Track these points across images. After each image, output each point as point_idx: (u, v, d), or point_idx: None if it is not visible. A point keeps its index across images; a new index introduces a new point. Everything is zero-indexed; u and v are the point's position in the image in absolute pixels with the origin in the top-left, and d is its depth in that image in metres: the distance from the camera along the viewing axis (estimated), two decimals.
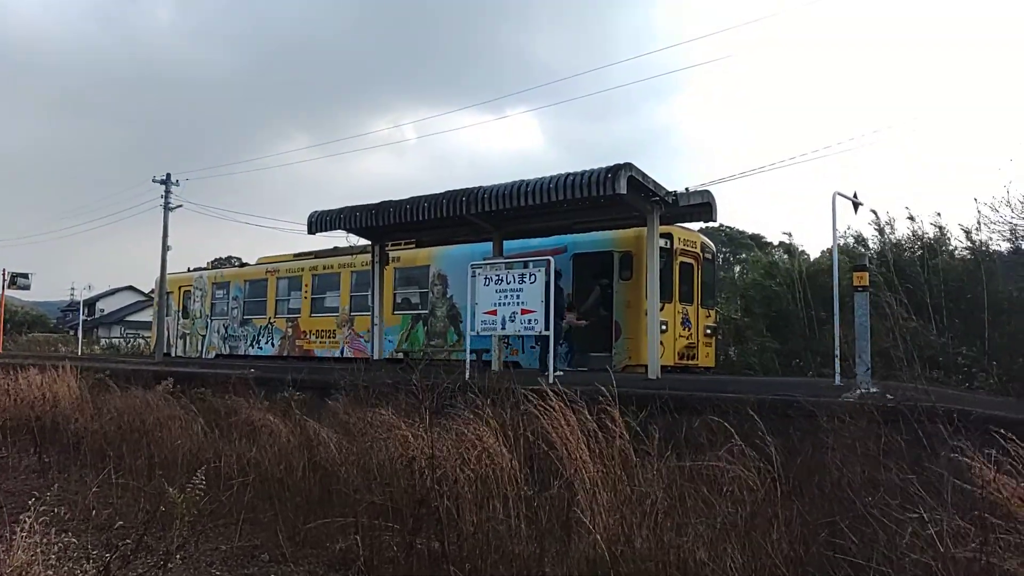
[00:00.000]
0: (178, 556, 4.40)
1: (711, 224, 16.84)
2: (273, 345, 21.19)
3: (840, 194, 10.70)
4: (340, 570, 5.13)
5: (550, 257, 11.56)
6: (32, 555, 4.40)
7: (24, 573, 4.29)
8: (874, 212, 17.91)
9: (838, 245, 21.30)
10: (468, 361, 12.17)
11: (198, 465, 6.78)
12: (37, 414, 9.42)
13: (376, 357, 15.74)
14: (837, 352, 10.14)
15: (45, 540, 4.55)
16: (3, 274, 33.58)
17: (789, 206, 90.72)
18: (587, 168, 11.67)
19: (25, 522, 4.60)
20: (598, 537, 4.10)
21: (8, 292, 37.79)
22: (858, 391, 8.74)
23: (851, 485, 4.87)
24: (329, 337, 19.65)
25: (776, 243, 38.04)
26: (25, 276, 33.54)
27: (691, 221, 14.69)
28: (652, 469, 5.11)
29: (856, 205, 11.37)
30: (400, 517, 5.02)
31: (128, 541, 3.80)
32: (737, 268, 41.49)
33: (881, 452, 5.11)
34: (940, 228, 17.08)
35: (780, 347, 17.36)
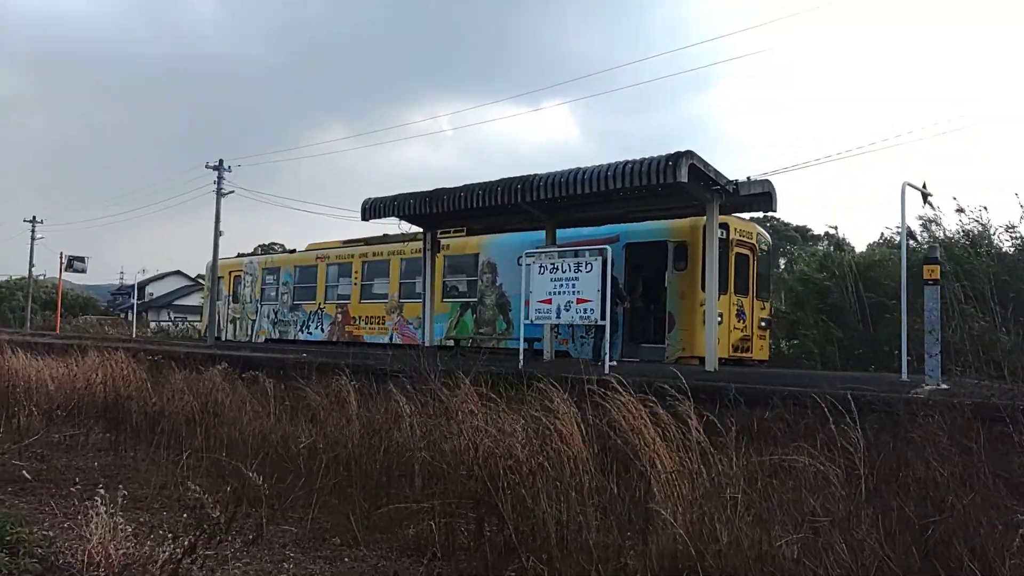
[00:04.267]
0: (257, 538, 4.42)
1: (755, 215, 16.46)
2: (323, 330, 21.41)
3: (910, 184, 10.39)
4: (413, 555, 5.11)
5: (607, 246, 11.45)
6: (110, 532, 4.47)
7: (101, 549, 4.36)
8: (930, 204, 17.31)
9: (886, 240, 20.81)
10: (522, 350, 12.15)
11: (267, 448, 6.87)
12: (103, 394, 9.61)
13: (427, 344, 15.80)
14: (904, 346, 9.88)
15: (122, 517, 4.63)
16: (61, 257, 34.53)
17: (836, 199, 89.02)
18: (645, 156, 11.53)
19: (99, 499, 4.67)
20: (681, 532, 4.00)
21: (63, 275, 38.84)
22: (927, 387, 8.51)
23: (940, 484, 4.71)
24: (378, 323, 19.79)
25: (823, 235, 37.34)
26: (81, 260, 34.48)
27: (750, 211, 14.45)
28: (729, 463, 5.00)
29: (925, 196, 11.06)
30: (474, 505, 4.99)
31: (219, 520, 3.83)
32: (783, 261, 40.85)
33: (972, 451, 4.93)
34: (983, 225, 16.50)
35: (837, 340, 17.01)
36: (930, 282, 9.24)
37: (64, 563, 4.46)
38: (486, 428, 5.27)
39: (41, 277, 53.35)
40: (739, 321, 14.72)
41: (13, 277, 62.70)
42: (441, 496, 5.21)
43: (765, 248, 15.97)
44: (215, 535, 3.74)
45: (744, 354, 14.78)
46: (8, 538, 4.54)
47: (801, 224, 48.86)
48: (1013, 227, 15.78)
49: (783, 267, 36.89)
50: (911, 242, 17.63)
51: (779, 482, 4.60)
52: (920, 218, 17.44)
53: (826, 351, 16.90)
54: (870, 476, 4.73)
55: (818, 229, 45.41)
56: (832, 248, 20.47)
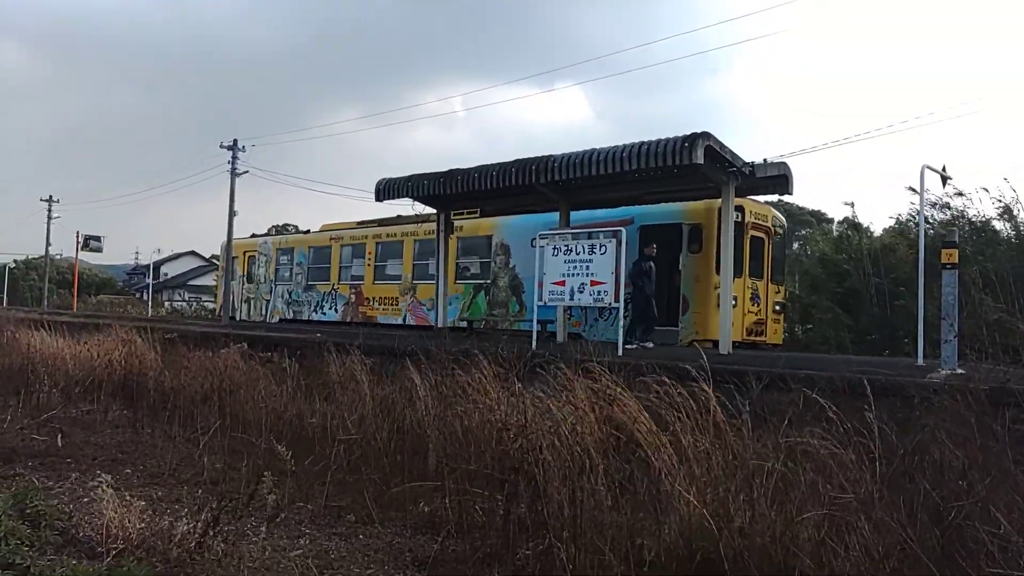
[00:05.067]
0: (283, 514, 4.47)
1: (770, 199, 16.26)
2: (336, 311, 21.49)
3: (929, 167, 10.28)
4: (427, 533, 5.15)
5: (622, 228, 11.40)
6: (123, 507, 4.54)
7: (119, 522, 4.42)
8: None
9: (902, 223, 20.58)
10: (535, 332, 12.15)
11: (281, 425, 6.92)
12: (121, 372, 9.70)
13: (440, 325, 15.83)
14: (920, 331, 9.81)
15: (131, 494, 4.70)
16: (77, 237, 34.77)
17: (853, 182, 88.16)
18: (661, 137, 11.45)
19: (104, 477, 4.74)
20: (704, 512, 4.00)
21: (80, 255, 39.16)
22: (943, 372, 8.46)
23: (956, 467, 4.68)
24: (392, 304, 19.84)
25: (840, 219, 36.98)
26: (97, 239, 34.71)
27: (766, 194, 14.34)
28: (744, 445, 4.99)
29: (944, 179, 10.95)
30: (489, 484, 5.00)
31: (239, 495, 3.87)
32: (796, 244, 40.57)
33: (989, 435, 4.89)
34: (1007, 206, 16.29)
35: (851, 325, 16.91)
36: (948, 266, 9.17)
37: (84, 536, 4.53)
38: (499, 408, 5.27)
39: (58, 256, 53.85)
40: (753, 304, 14.65)
41: (30, 256, 63.33)
42: (456, 475, 5.24)
43: (780, 231, 15.85)
44: (237, 510, 3.77)
45: (758, 338, 14.72)
46: (29, 511, 4.61)
47: (816, 208, 48.47)
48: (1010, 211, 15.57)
49: (797, 251, 36.63)
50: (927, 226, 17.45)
51: (795, 464, 4.58)
52: (935, 204, 17.21)
53: (841, 335, 16.80)
54: (887, 459, 4.71)
55: (832, 213, 45.05)
56: (849, 230, 20.22)
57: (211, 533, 3.68)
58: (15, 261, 62.47)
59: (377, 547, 4.96)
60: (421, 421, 5.99)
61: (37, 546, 4.26)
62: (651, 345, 12.38)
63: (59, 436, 7.63)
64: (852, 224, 20.02)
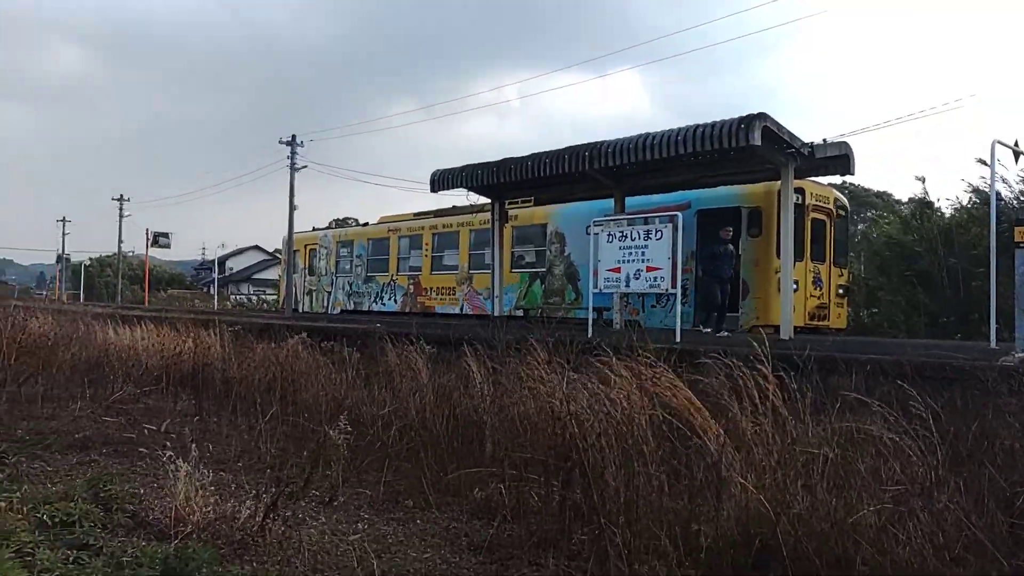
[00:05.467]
0: (341, 497, 4.56)
1: (833, 180, 15.81)
2: (396, 301, 21.79)
3: (1000, 142, 9.85)
4: (483, 518, 5.19)
5: (678, 213, 11.25)
6: (195, 490, 4.69)
7: (187, 505, 4.58)
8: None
9: (973, 202, 19.73)
10: (590, 319, 12.10)
11: (341, 413, 7.05)
12: (191, 363, 10.02)
13: (496, 314, 15.90)
14: (993, 313, 9.43)
15: (205, 476, 4.86)
16: (147, 234, 36.04)
17: (920, 159, 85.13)
18: (715, 120, 11.24)
19: (181, 460, 4.91)
20: (761, 498, 3.93)
21: (149, 251, 40.58)
22: (1018, 355, 8.13)
23: None
24: (449, 294, 20.02)
25: (906, 200, 35.73)
26: (166, 236, 35.94)
27: (827, 174, 13.95)
28: (805, 430, 4.89)
29: (1017, 154, 10.49)
30: (545, 470, 5.02)
31: (295, 480, 3.97)
32: (861, 226, 39.36)
33: None
34: None
35: (923, 307, 16.36)
36: (1021, 245, 8.78)
37: (153, 519, 4.70)
38: (554, 395, 5.28)
39: (129, 254, 55.87)
40: (816, 288, 14.31)
41: (103, 255, 65.94)
42: (511, 461, 5.27)
43: (843, 213, 15.42)
44: (294, 494, 3.87)
45: (821, 322, 14.38)
46: (102, 495, 4.80)
47: (882, 189, 46.90)
48: None
49: (864, 230, 35.52)
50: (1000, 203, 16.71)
51: (856, 450, 4.46)
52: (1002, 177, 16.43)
53: (911, 319, 16.28)
54: (953, 445, 4.56)
55: (899, 194, 43.52)
56: (919, 209, 19.46)
57: (271, 517, 3.78)
58: (90, 259, 65.12)
59: (434, 532, 5.02)
60: (477, 408, 6.04)
61: (109, 528, 4.44)
62: (726, 334, 12.11)
63: (134, 426, 7.93)
64: (922, 202, 19.28)
